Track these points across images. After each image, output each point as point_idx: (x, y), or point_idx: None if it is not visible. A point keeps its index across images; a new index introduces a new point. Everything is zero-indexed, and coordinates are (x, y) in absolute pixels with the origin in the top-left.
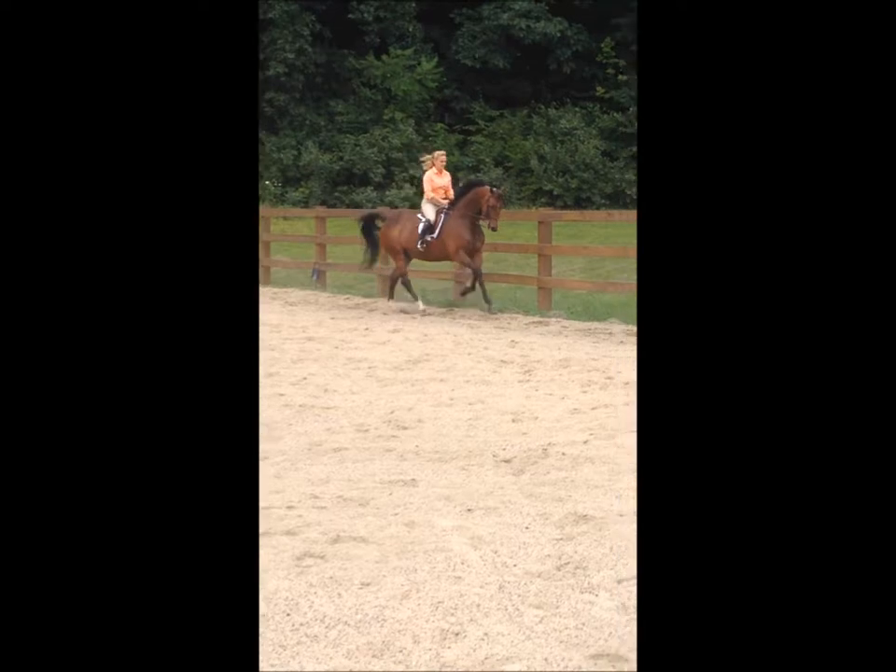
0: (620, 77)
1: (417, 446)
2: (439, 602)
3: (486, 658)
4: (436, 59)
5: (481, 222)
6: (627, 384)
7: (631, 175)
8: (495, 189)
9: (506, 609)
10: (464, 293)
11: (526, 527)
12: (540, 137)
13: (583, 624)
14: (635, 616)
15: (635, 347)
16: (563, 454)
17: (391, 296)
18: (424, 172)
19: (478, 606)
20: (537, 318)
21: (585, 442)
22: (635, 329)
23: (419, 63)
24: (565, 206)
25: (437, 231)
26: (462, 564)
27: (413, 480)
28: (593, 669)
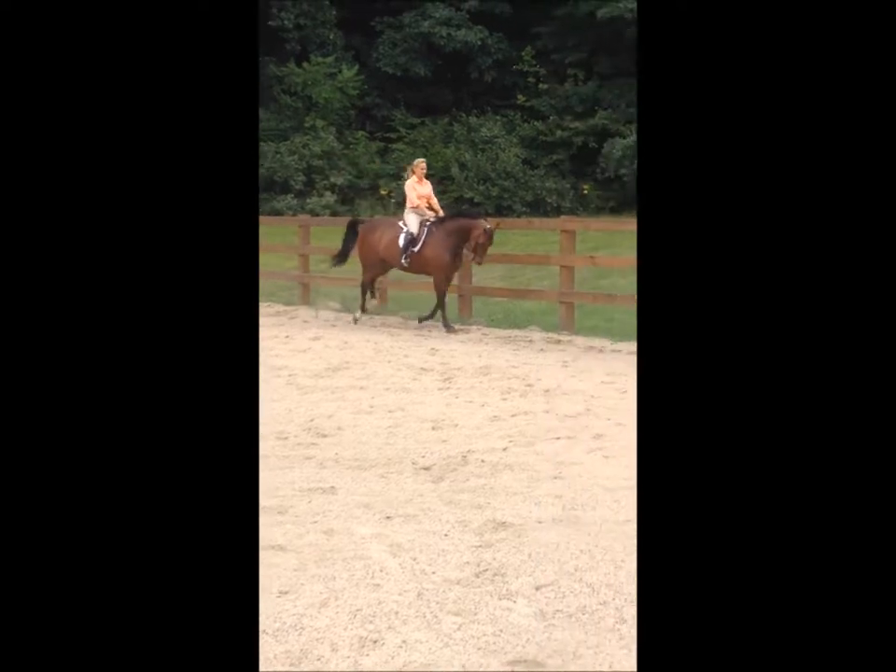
0: (540, 85)
1: (337, 454)
2: (357, 610)
3: (404, 665)
4: (357, 66)
5: (465, 252)
6: (547, 391)
7: (551, 184)
8: (488, 228)
9: (424, 617)
10: (422, 320)
11: (445, 534)
12: (461, 145)
13: (501, 631)
14: (552, 622)
15: (555, 355)
16: (482, 461)
17: (373, 295)
18: (405, 181)
19: (396, 613)
20: (457, 326)
21: (504, 450)
22: (555, 336)
23: (340, 71)
24: (485, 214)
25: (419, 245)
26: (381, 571)
27: (333, 487)
28: None
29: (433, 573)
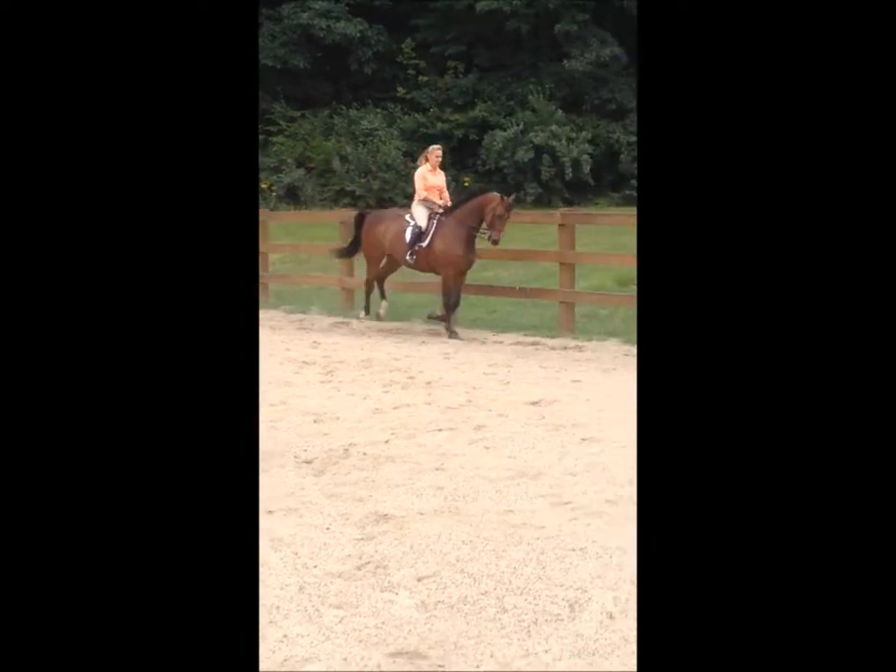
0: (420, 77)
1: None
2: None
3: (286, 660)
4: None
5: (482, 233)
6: (429, 383)
7: None
8: (505, 198)
9: (306, 611)
10: (441, 318)
11: (327, 528)
12: (342, 138)
13: (383, 623)
14: (434, 613)
15: (437, 347)
16: (364, 453)
17: (382, 295)
18: (416, 168)
19: (277, 608)
20: (339, 319)
21: (386, 442)
22: (437, 328)
23: None
24: (367, 207)
25: (427, 240)
26: (262, 566)
27: None
28: (391, 668)
29: (315, 567)
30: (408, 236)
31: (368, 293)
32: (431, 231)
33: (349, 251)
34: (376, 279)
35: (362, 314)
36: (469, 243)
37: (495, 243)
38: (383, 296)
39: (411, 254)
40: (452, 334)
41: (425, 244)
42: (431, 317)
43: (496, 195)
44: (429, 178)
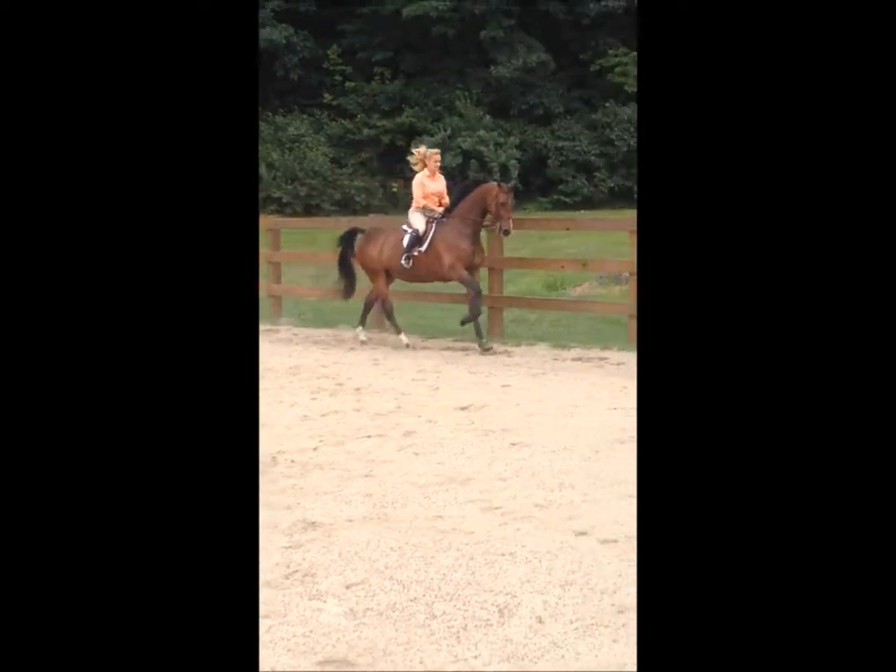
0: (347, 83)
1: None
2: None
3: None
4: None
5: (488, 228)
6: (358, 389)
7: (360, 182)
8: (503, 185)
9: None
10: (465, 321)
11: None
12: (268, 144)
13: (311, 631)
14: (363, 620)
15: (365, 353)
16: (292, 461)
17: (363, 321)
18: (413, 174)
19: None
20: (267, 326)
21: (315, 449)
22: (366, 334)
23: None
24: (294, 214)
25: (426, 243)
26: None
27: None
28: None
29: None
30: (405, 242)
31: (387, 313)
32: (430, 234)
33: (348, 288)
34: (365, 305)
35: (404, 339)
36: (475, 239)
37: (506, 233)
38: (363, 322)
39: (406, 258)
40: (485, 348)
41: (423, 247)
42: (464, 323)
43: (493, 184)
44: (428, 185)
